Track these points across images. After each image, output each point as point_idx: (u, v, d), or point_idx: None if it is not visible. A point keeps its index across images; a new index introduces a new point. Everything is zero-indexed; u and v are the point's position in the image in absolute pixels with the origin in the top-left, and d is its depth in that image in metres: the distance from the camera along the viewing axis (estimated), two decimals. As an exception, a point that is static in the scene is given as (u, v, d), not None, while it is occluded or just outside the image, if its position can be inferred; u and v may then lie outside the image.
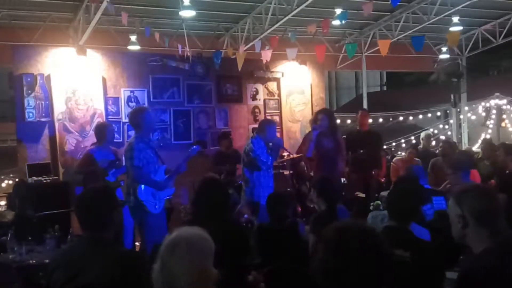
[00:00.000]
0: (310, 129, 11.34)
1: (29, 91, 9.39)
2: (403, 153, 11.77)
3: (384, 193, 7.54)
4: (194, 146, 7.67)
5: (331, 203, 5.63)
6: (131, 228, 7.48)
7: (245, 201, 7.75)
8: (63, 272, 3.36)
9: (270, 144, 7.79)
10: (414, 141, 15.10)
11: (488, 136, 14.51)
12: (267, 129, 7.80)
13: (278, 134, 11.48)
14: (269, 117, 11.59)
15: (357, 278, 2.18)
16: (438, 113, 17.06)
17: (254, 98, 11.68)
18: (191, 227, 2.86)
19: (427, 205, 6.33)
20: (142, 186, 6.72)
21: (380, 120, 15.99)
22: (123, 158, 7.03)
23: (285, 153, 10.18)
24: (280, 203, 5.57)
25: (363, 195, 9.29)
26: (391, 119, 16.64)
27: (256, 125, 9.95)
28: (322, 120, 8.27)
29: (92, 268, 3.24)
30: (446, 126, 16.37)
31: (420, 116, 16.57)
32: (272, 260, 4.95)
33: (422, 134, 12.16)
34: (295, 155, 10.71)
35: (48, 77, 9.57)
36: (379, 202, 7.45)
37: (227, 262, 2.85)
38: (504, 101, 14.98)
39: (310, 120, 8.45)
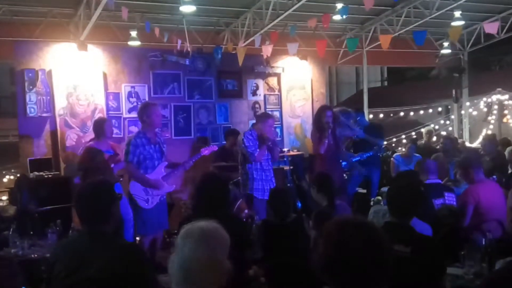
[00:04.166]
0: (310, 125, 11.43)
1: (31, 87, 9.39)
2: (403, 149, 11.76)
3: (385, 189, 7.54)
4: (209, 147, 7.81)
5: (330, 198, 5.65)
6: (132, 221, 7.53)
7: (238, 194, 7.84)
8: (64, 265, 3.39)
9: (270, 143, 7.84)
10: (415, 137, 15.11)
11: (489, 132, 14.50)
12: (262, 123, 7.86)
13: (278, 130, 11.56)
14: (269, 112, 11.59)
15: (358, 273, 2.19)
16: (439, 109, 17.04)
17: (254, 93, 11.67)
18: (208, 220, 2.90)
19: (439, 200, 6.35)
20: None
21: (381, 115, 15.98)
22: (123, 153, 7.11)
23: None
24: (283, 199, 5.58)
25: (364, 191, 9.33)
26: (391, 115, 16.61)
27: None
28: (329, 117, 8.25)
29: (93, 261, 3.27)
30: (447, 122, 16.33)
31: (421, 112, 16.53)
32: (274, 255, 4.97)
33: (424, 130, 12.16)
34: (294, 152, 10.77)
35: (50, 72, 9.57)
36: (379, 197, 7.48)
37: (227, 257, 2.87)
38: (506, 96, 14.94)
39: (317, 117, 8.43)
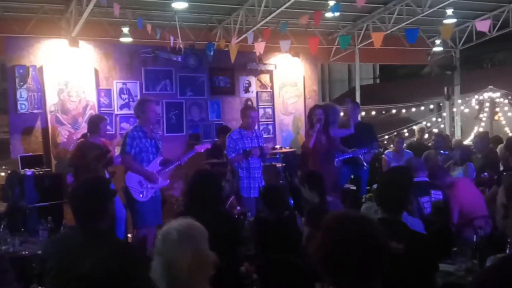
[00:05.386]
0: (303, 123, 11.47)
1: (22, 83, 9.35)
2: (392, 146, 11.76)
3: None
4: (203, 144, 7.85)
5: (322, 195, 5.65)
6: (123, 218, 7.53)
7: (228, 192, 7.87)
8: (55, 262, 3.37)
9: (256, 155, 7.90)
10: (407, 134, 15.15)
11: (481, 129, 14.55)
12: (245, 117, 7.98)
13: (270, 127, 11.59)
14: (261, 110, 11.61)
15: (354, 266, 2.20)
16: (431, 106, 17.07)
17: (246, 90, 11.65)
18: (180, 218, 2.90)
19: (425, 198, 6.37)
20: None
21: (373, 113, 15.99)
22: (115, 150, 7.14)
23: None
24: (277, 195, 5.58)
25: (354, 188, 9.33)
26: (383, 112, 16.64)
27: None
28: (319, 114, 8.30)
29: (87, 259, 3.26)
30: (439, 119, 16.39)
31: (413, 109, 16.58)
32: (267, 251, 4.97)
33: (417, 127, 12.18)
34: (286, 149, 10.77)
35: (41, 68, 9.53)
36: (371, 194, 7.49)
37: (220, 253, 2.86)
38: (498, 94, 14.99)
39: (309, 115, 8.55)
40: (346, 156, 9.06)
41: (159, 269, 2.75)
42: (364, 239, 2.23)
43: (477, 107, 15.61)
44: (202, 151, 7.95)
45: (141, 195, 6.80)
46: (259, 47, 10.44)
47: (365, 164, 9.14)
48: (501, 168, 8.78)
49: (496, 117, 15.60)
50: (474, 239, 4.75)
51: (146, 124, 7.01)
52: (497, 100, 15.17)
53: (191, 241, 2.77)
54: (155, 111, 7.17)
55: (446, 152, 9.40)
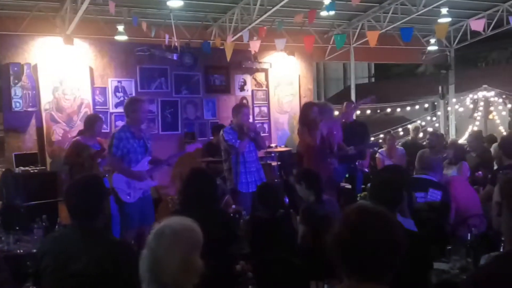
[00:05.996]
0: (297, 121, 11.45)
1: (16, 81, 9.34)
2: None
3: (371, 185, 7.54)
4: (193, 144, 7.80)
5: (319, 194, 5.65)
6: (117, 217, 7.49)
7: (224, 190, 7.84)
8: (52, 260, 3.38)
9: (252, 134, 7.86)
10: (401, 133, 15.17)
11: (475, 128, 14.58)
12: (238, 114, 7.92)
13: (265, 126, 11.59)
14: (256, 108, 11.63)
15: (370, 258, 2.22)
16: (426, 105, 17.11)
17: (242, 89, 11.65)
18: (181, 217, 2.88)
19: (420, 193, 6.35)
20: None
21: (368, 111, 15.99)
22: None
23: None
24: (273, 193, 5.59)
25: (349, 186, 9.33)
26: (378, 111, 16.64)
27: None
28: (315, 112, 8.28)
29: (82, 256, 3.27)
30: (434, 118, 16.42)
31: (408, 108, 16.59)
32: (262, 250, 4.97)
33: (411, 126, 12.21)
34: (281, 148, 10.77)
35: (35, 66, 9.52)
36: (366, 193, 7.48)
37: (215, 252, 2.86)
38: (492, 93, 15.02)
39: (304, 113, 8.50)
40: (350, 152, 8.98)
41: (145, 263, 2.74)
42: (381, 232, 2.25)
43: (471, 106, 15.63)
44: (192, 151, 7.87)
45: (128, 197, 6.73)
46: (255, 45, 10.45)
47: (364, 169, 9.16)
48: (495, 167, 8.80)
49: (490, 116, 15.64)
50: (468, 238, 4.76)
51: (135, 124, 6.86)
52: (492, 99, 15.20)
53: (184, 245, 2.73)
54: (146, 111, 7.07)
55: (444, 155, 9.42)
